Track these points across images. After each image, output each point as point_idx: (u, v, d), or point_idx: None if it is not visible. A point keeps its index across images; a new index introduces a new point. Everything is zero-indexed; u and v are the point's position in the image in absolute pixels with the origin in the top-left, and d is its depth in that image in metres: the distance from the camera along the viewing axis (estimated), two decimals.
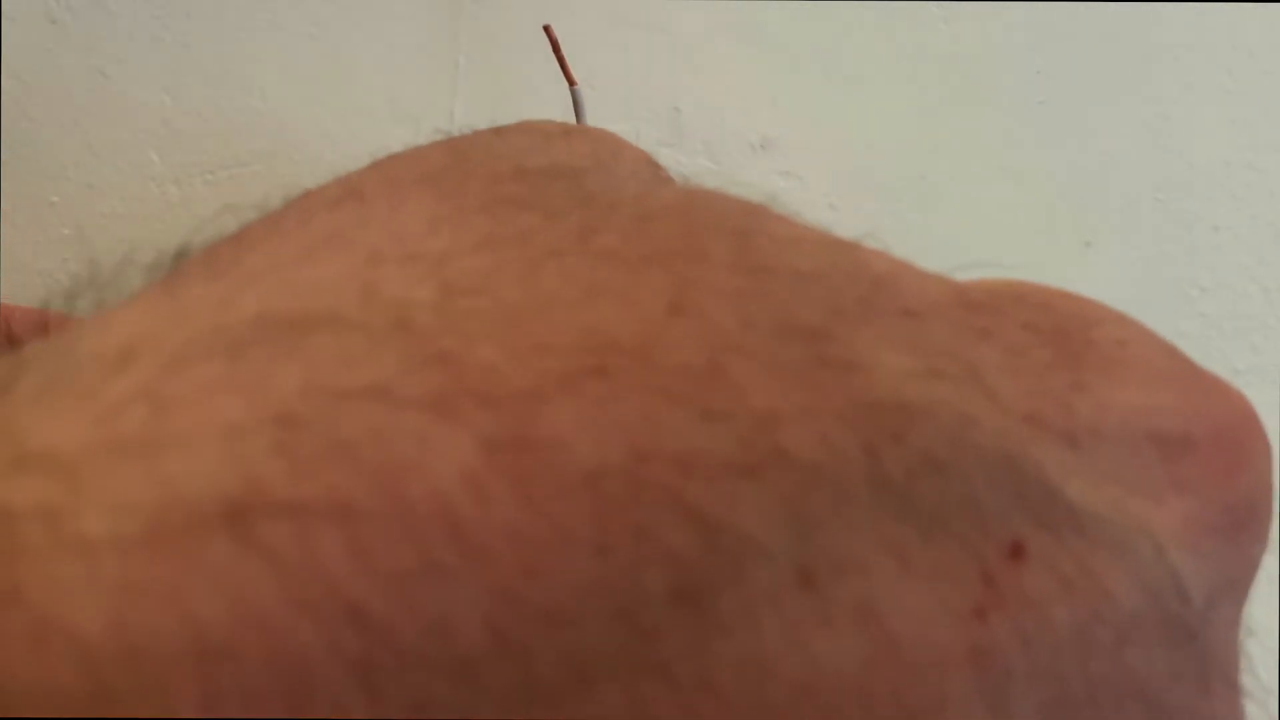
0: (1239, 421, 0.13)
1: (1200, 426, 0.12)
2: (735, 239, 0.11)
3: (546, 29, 0.26)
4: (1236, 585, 0.12)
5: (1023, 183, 0.29)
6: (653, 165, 0.15)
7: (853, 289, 0.11)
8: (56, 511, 0.08)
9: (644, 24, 0.29)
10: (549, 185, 0.12)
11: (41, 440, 0.08)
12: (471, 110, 0.28)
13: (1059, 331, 0.12)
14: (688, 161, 0.28)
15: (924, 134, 0.29)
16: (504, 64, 0.28)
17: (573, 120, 0.25)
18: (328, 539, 0.08)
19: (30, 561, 0.08)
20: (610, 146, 0.14)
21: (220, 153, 0.27)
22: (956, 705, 0.10)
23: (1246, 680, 0.12)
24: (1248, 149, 0.29)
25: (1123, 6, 0.29)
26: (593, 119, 0.26)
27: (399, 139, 0.13)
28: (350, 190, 0.12)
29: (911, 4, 0.29)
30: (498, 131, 0.14)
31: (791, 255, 0.11)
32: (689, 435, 0.09)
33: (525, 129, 0.14)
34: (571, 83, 0.25)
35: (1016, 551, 0.10)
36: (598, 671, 0.09)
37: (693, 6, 0.29)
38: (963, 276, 0.12)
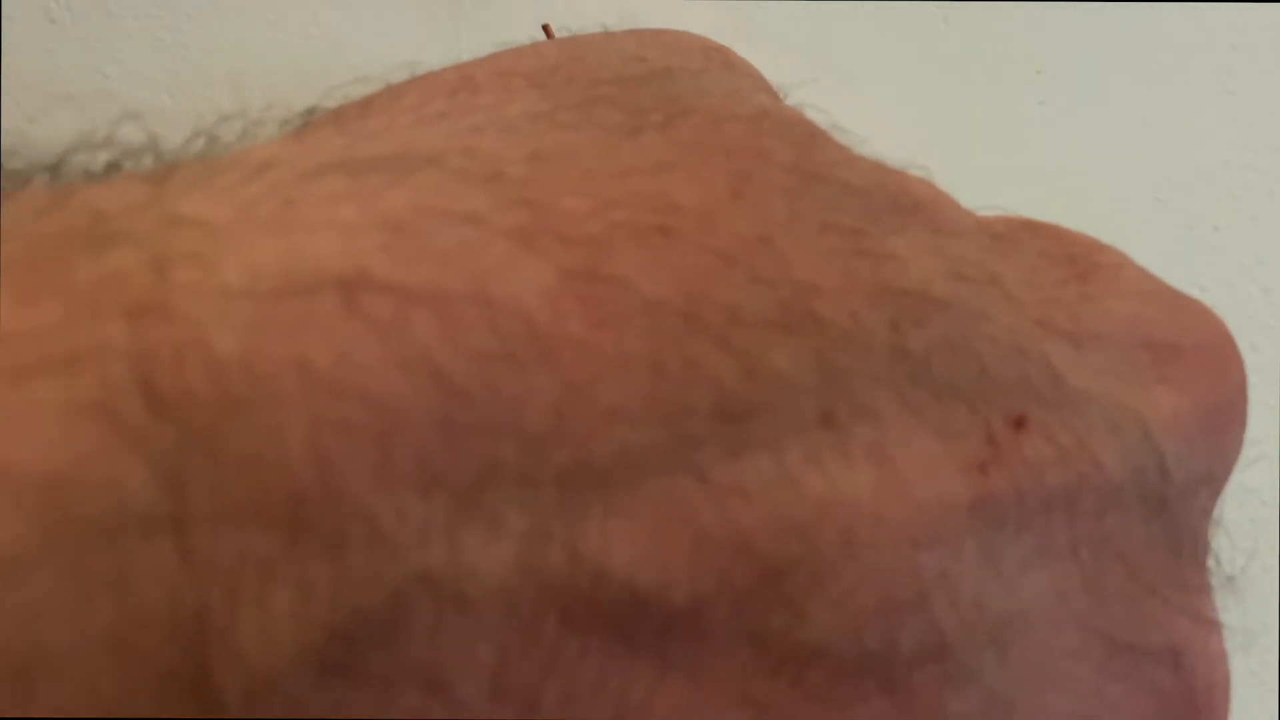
0: (1219, 339, 0.14)
1: (1187, 338, 0.14)
2: (796, 148, 0.12)
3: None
4: (1213, 480, 0.14)
5: (1023, 183, 0.29)
6: (761, 82, 0.16)
7: (893, 205, 0.12)
8: (204, 259, 0.09)
9: (644, 24, 0.29)
10: (640, 89, 0.13)
11: (192, 211, 0.10)
12: None
13: (1069, 256, 0.14)
14: None
15: (924, 134, 0.29)
16: None
17: None
18: (422, 315, 0.09)
19: (179, 292, 0.09)
20: (722, 59, 0.16)
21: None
22: (952, 542, 0.11)
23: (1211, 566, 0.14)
24: (1248, 149, 0.29)
25: (1123, 6, 0.29)
26: None
27: None
28: (465, 78, 0.14)
29: (911, 4, 0.29)
30: (613, 37, 0.16)
31: (843, 170, 0.12)
32: (737, 291, 0.10)
33: (651, 39, 0.16)
34: None
35: (1020, 422, 0.11)
36: (644, 466, 0.10)
37: (693, 7, 0.29)
38: None
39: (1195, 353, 0.14)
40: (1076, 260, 0.14)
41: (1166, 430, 0.13)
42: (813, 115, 0.14)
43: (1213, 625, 0.13)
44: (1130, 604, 0.12)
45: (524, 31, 0.28)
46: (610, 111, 0.13)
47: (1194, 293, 0.29)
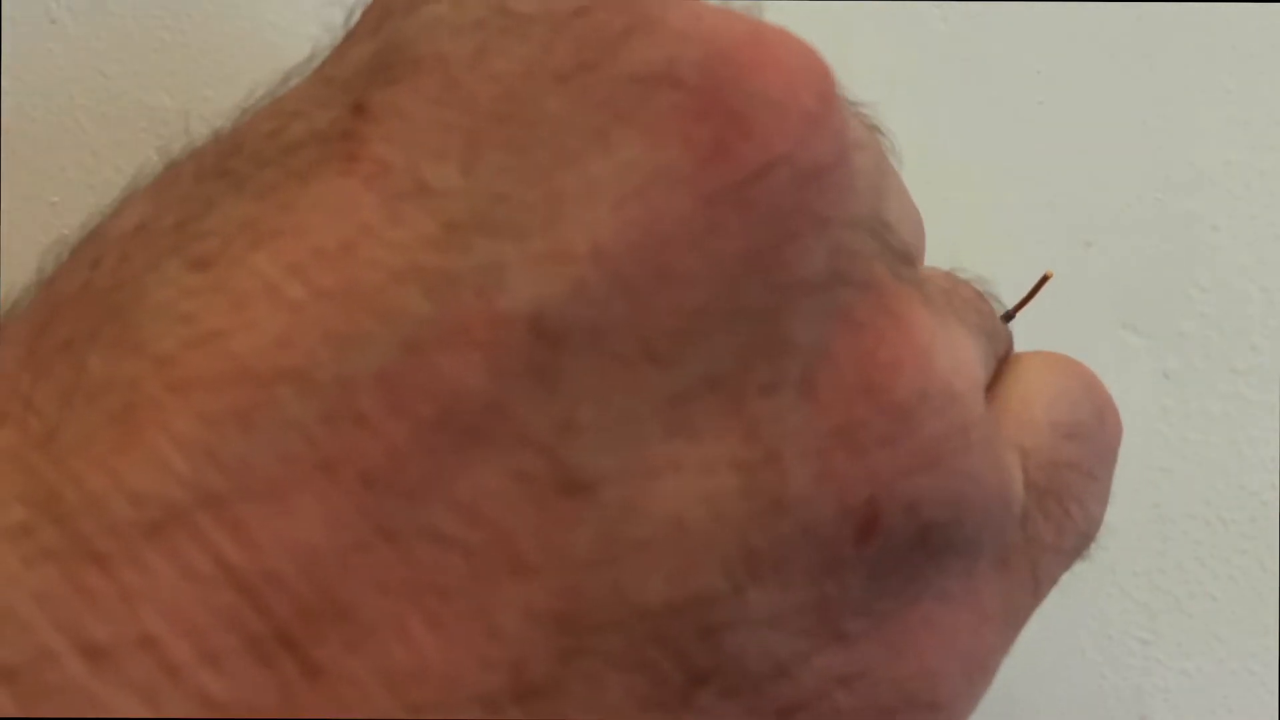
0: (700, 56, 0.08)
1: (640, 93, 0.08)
2: None
3: None
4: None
5: (1023, 183, 0.29)
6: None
7: None
8: None
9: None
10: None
11: None
12: None
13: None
14: None
15: (923, 134, 0.29)
16: None
17: None
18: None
19: None
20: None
21: None
22: None
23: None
24: (1248, 149, 0.29)
25: (1123, 6, 0.29)
26: None
27: None
28: None
29: (911, 4, 0.29)
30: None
31: None
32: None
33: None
34: None
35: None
36: None
37: None
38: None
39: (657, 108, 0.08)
40: None
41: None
42: None
43: None
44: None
45: None
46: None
47: (1193, 293, 0.29)
